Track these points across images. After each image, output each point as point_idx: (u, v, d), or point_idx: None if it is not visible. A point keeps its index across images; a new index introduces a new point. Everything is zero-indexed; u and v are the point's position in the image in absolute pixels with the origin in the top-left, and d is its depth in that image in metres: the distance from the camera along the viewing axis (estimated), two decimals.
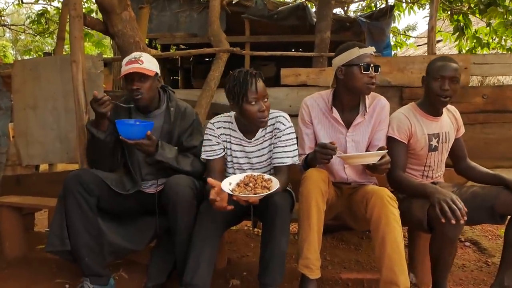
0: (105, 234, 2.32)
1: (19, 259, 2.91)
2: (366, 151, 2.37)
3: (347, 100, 2.32)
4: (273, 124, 2.26)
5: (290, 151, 2.23)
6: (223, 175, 2.33)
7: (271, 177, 1.98)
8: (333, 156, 2.07)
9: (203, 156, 2.31)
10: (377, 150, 2.15)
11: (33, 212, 3.71)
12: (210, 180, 1.90)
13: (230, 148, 2.31)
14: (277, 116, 2.26)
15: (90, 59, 3.59)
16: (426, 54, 5.15)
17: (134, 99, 2.31)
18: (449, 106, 2.49)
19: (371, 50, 2.24)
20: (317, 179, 2.08)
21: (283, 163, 2.22)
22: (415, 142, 2.40)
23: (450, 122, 2.49)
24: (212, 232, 2.08)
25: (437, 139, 2.41)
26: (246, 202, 1.85)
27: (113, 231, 2.38)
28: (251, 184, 1.91)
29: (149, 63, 2.32)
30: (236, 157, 2.31)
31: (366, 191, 2.17)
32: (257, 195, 1.83)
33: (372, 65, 2.19)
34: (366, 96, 2.32)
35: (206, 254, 2.02)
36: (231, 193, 1.84)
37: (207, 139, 2.30)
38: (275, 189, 1.86)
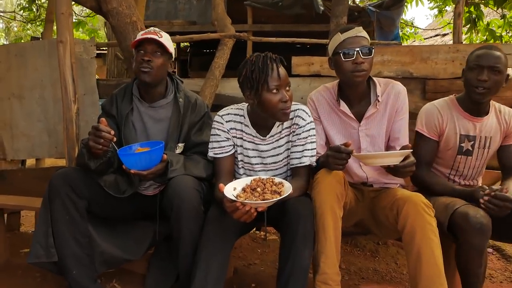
0: (96, 243, 2.03)
1: (0, 266, 2.60)
2: (386, 145, 2.11)
3: (350, 92, 2.05)
4: (292, 118, 1.97)
5: (309, 149, 1.96)
6: (233, 175, 2.06)
7: (283, 180, 1.72)
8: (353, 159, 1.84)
9: (210, 153, 2.02)
10: (400, 149, 1.88)
11: (18, 211, 3.39)
12: (222, 187, 1.63)
13: (242, 146, 2.02)
14: (296, 110, 1.98)
15: (82, 44, 3.30)
16: (452, 43, 4.87)
17: (140, 71, 2.03)
18: (503, 107, 2.17)
19: (355, 32, 1.94)
20: (331, 181, 1.81)
21: (302, 163, 1.94)
22: (443, 139, 2.14)
23: (497, 126, 2.15)
24: (221, 244, 1.78)
25: (472, 142, 2.12)
26: (255, 210, 1.58)
27: (106, 239, 2.08)
28: (259, 189, 1.66)
29: (168, 41, 2.11)
30: (247, 156, 2.02)
31: (396, 197, 1.90)
32: (266, 201, 1.57)
33: (357, 49, 1.90)
34: (377, 83, 2.05)
35: (214, 271, 1.72)
36: (235, 199, 1.58)
37: (214, 134, 2.01)
38: (286, 194, 1.60)
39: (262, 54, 1.85)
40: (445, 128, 2.12)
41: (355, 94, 2.04)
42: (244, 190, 1.68)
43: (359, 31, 1.95)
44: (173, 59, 2.18)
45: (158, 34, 2.06)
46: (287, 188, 1.64)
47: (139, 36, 2.06)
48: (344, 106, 2.05)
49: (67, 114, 2.17)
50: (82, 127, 2.52)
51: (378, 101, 2.02)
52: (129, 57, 2.13)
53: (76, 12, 8.43)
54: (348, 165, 2.06)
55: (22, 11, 7.91)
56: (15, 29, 15.57)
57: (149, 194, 2.18)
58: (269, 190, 1.64)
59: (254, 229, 3.35)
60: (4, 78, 3.46)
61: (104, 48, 7.65)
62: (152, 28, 2.11)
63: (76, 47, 3.23)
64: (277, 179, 1.72)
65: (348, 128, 2.08)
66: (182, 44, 10.24)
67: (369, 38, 2.00)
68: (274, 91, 1.81)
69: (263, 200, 1.58)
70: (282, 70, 1.82)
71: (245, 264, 2.77)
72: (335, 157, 1.77)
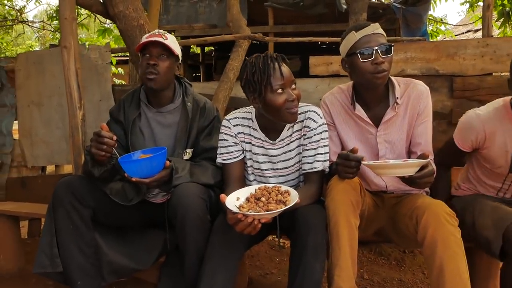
0: (103, 252, 1.97)
1: (14, 273, 2.63)
2: (407, 151, 1.93)
3: (367, 95, 1.88)
4: (302, 121, 1.86)
5: (321, 153, 1.83)
6: (243, 182, 1.95)
7: (289, 189, 1.61)
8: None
9: (218, 159, 1.93)
10: (418, 157, 1.70)
11: (37, 218, 3.41)
12: (223, 197, 1.53)
13: (250, 151, 1.92)
14: (307, 111, 1.86)
15: (97, 50, 3.28)
16: (481, 37, 4.62)
17: (146, 78, 1.96)
18: None
19: (372, 29, 1.77)
20: (345, 187, 1.68)
21: (314, 168, 1.82)
22: (489, 156, 1.89)
23: None
24: (227, 257, 1.68)
25: None
26: (258, 222, 1.47)
27: (113, 248, 2.02)
28: (263, 199, 1.55)
29: (174, 43, 2.03)
30: (257, 161, 1.92)
31: (416, 205, 1.74)
32: (269, 213, 1.45)
33: (375, 48, 1.73)
34: (396, 84, 1.86)
35: (220, 285, 1.62)
36: (237, 211, 1.48)
37: (222, 139, 1.92)
38: (292, 204, 1.48)
39: (261, 54, 1.75)
40: (489, 144, 1.85)
41: (372, 97, 1.88)
42: (248, 200, 1.58)
43: (376, 28, 1.78)
44: (180, 61, 2.11)
45: (163, 36, 1.99)
46: (293, 197, 1.52)
47: (144, 39, 1.99)
48: (359, 110, 1.89)
49: (73, 121, 2.13)
50: None
51: (397, 103, 1.85)
52: (138, 61, 2.07)
53: (101, 20, 8.56)
54: (364, 173, 1.93)
55: (49, 20, 8.08)
56: (48, 38, 16.07)
57: (158, 201, 2.11)
58: (274, 200, 1.53)
59: (275, 236, 3.24)
60: (23, 86, 3.50)
61: (128, 55, 7.72)
62: (156, 30, 2.04)
63: (91, 53, 3.24)
64: (283, 187, 1.61)
65: (365, 134, 1.92)
66: (206, 48, 10.27)
67: (385, 35, 1.84)
68: (279, 91, 1.70)
69: (267, 211, 1.47)
70: (285, 68, 1.72)
71: (261, 274, 2.66)
72: (344, 165, 1.63)
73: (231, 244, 1.70)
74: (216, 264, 1.65)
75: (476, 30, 8.94)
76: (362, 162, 1.63)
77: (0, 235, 2.63)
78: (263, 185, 1.66)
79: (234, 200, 1.56)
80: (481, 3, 7.70)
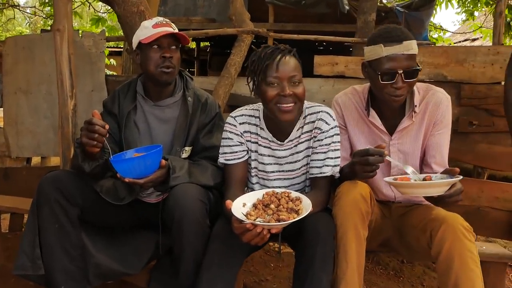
0: (90, 254, 1.81)
1: None
2: (420, 163, 1.84)
3: (383, 106, 1.78)
4: (313, 122, 1.74)
5: (331, 158, 1.71)
6: (246, 185, 1.84)
7: (301, 195, 1.49)
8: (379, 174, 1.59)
9: (220, 159, 1.80)
10: (443, 172, 1.61)
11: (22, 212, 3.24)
12: (229, 204, 1.40)
13: (256, 151, 1.79)
14: (319, 112, 1.74)
15: (91, 37, 3.11)
16: (491, 45, 4.56)
17: (162, 71, 1.83)
18: None
19: (402, 49, 1.59)
20: (355, 196, 1.57)
21: (323, 173, 1.70)
22: None
23: None
24: (227, 266, 1.55)
25: None
26: (268, 231, 1.35)
27: (102, 251, 1.87)
28: (272, 206, 1.43)
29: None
30: (262, 163, 1.79)
31: (430, 217, 1.64)
32: (281, 223, 1.34)
33: (399, 71, 1.60)
34: (416, 90, 1.75)
35: None
36: (245, 220, 1.35)
37: (226, 138, 1.79)
38: (306, 214, 1.36)
39: (272, 46, 1.64)
40: None
41: (388, 108, 1.77)
42: (255, 206, 1.44)
43: (408, 49, 1.59)
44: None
45: (171, 26, 1.87)
46: (306, 206, 1.40)
47: (150, 29, 1.83)
48: (374, 117, 1.79)
49: (63, 110, 1.97)
50: None
51: (415, 112, 1.74)
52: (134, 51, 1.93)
53: (95, 9, 8.35)
54: (373, 183, 1.82)
55: (41, 6, 7.83)
56: (39, 24, 15.73)
57: (152, 201, 1.97)
58: (285, 208, 1.40)
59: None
60: (11, 72, 3.31)
61: (121, 46, 7.54)
62: (160, 18, 1.89)
63: (85, 41, 3.08)
64: (294, 194, 1.48)
65: (378, 141, 1.82)
66: (202, 44, 10.11)
67: (417, 51, 1.64)
68: (272, 83, 1.58)
69: (278, 220, 1.34)
70: (287, 60, 1.59)
71: (256, 280, 2.54)
72: (362, 163, 1.53)
73: (231, 253, 1.57)
74: (215, 275, 1.52)
75: (474, 39, 8.94)
76: (385, 179, 1.55)
77: None
78: (270, 189, 1.53)
79: (240, 206, 1.43)
80: (476, 13, 7.69)
